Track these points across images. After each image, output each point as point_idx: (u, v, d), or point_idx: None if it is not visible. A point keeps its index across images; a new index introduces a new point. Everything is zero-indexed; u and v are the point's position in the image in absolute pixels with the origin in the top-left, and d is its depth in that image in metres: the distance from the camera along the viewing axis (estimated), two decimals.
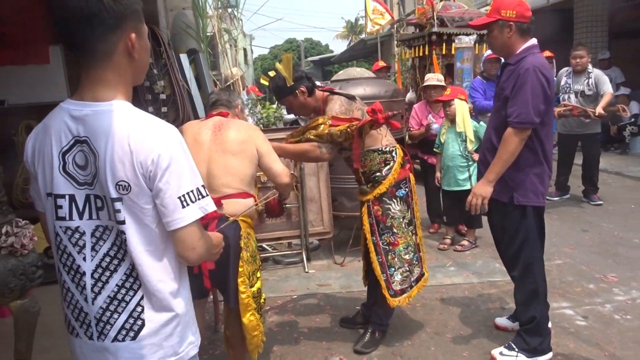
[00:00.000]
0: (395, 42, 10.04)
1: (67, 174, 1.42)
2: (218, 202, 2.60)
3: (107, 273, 1.44)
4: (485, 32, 3.20)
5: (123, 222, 1.40)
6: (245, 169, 2.69)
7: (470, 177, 5.02)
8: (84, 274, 1.45)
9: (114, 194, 1.38)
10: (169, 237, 1.46)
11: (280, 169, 2.78)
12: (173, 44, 5.40)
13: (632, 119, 9.36)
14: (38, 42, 4.52)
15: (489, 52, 6.35)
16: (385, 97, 5.09)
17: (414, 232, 3.31)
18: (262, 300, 2.82)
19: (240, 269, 2.62)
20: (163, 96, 4.96)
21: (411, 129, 5.78)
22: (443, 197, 5.42)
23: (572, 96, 6.36)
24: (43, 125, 1.47)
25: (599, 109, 5.88)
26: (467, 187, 5.03)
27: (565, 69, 6.60)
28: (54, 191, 1.44)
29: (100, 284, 1.44)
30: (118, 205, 1.38)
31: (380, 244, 3.24)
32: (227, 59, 6.93)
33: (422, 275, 3.39)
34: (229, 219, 2.55)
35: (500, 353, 3.15)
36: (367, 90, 5.05)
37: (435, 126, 5.42)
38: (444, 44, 7.65)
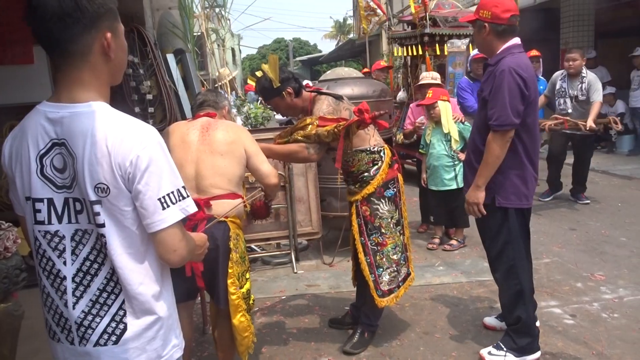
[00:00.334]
0: (387, 39, 9.99)
1: (45, 177, 1.40)
2: (207, 203, 2.59)
3: (88, 277, 1.42)
4: None
5: (103, 225, 1.37)
6: (233, 169, 2.68)
7: (456, 176, 5.04)
8: (64, 278, 1.42)
9: (93, 196, 1.35)
10: (150, 240, 1.43)
11: (269, 170, 2.78)
12: (160, 44, 5.35)
13: (619, 117, 9.42)
14: (22, 42, 4.47)
15: (475, 51, 6.35)
16: (373, 97, 5.09)
17: (401, 232, 3.31)
18: (251, 302, 2.83)
19: (229, 270, 2.62)
20: (150, 96, 4.92)
21: (405, 128, 5.79)
22: (430, 197, 5.43)
23: (568, 101, 6.20)
24: (20, 128, 1.44)
25: (590, 122, 5.74)
26: (454, 186, 5.05)
27: (560, 72, 6.43)
28: (32, 195, 1.42)
29: (82, 288, 1.42)
30: (97, 208, 1.36)
31: (369, 244, 3.23)
32: (215, 59, 6.89)
33: (408, 275, 3.39)
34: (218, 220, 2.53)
35: (489, 353, 3.16)
36: (354, 90, 5.05)
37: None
38: (437, 45, 7.61)
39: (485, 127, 2.96)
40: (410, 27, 8.39)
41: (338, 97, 3.22)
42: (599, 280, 4.27)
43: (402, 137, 6.19)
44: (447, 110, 4.95)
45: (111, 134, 1.34)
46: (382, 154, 3.24)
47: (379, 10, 9.48)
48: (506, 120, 2.83)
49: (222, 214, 2.59)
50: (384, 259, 3.24)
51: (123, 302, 1.43)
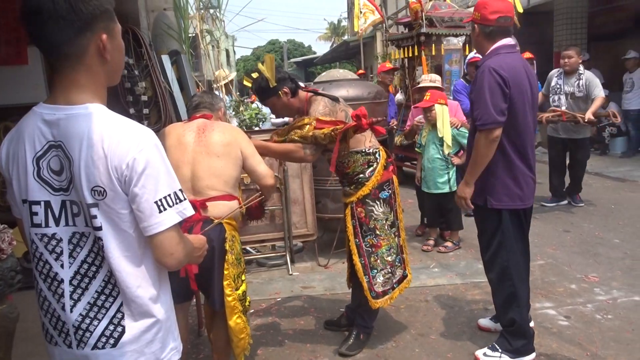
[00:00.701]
0: (383, 41, 10.01)
1: (42, 179, 1.39)
2: (203, 204, 2.59)
3: (86, 280, 1.41)
4: None
5: (100, 228, 1.37)
6: (229, 170, 2.69)
7: (449, 180, 5.06)
8: (61, 281, 1.41)
9: (89, 199, 1.35)
10: (147, 242, 1.43)
11: (265, 171, 2.79)
12: (154, 45, 5.34)
13: (609, 121, 9.45)
14: (16, 43, 4.45)
15: (471, 54, 6.37)
16: (368, 99, 5.09)
17: (396, 234, 3.31)
18: (247, 303, 2.83)
19: (225, 272, 2.62)
20: (145, 98, 4.91)
21: (404, 129, 5.81)
22: (424, 199, 5.44)
23: (562, 97, 6.18)
24: (16, 129, 1.43)
25: (589, 115, 5.72)
26: (446, 190, 5.06)
27: (556, 69, 6.44)
28: (28, 198, 1.41)
29: (79, 291, 1.41)
30: (94, 211, 1.36)
31: (363, 245, 3.24)
32: (210, 60, 6.88)
33: (404, 276, 3.40)
34: (213, 222, 2.53)
35: (484, 354, 3.17)
36: (350, 91, 5.05)
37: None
38: (433, 45, 7.62)
39: (474, 128, 3.00)
40: (407, 29, 8.41)
41: (334, 99, 3.22)
42: (593, 282, 4.29)
43: (401, 138, 6.20)
44: (443, 114, 4.96)
45: (107, 137, 1.33)
46: (377, 155, 3.24)
47: (376, 12, 9.47)
48: (489, 119, 2.86)
49: (217, 216, 2.59)
50: (378, 261, 3.24)
51: (121, 304, 1.42)
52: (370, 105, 4.92)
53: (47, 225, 1.41)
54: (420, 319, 3.81)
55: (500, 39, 2.99)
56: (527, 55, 7.29)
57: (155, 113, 5.02)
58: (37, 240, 1.43)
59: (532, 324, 3.32)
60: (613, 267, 4.59)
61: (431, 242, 5.34)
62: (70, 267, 1.41)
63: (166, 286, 1.56)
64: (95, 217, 1.36)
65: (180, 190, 1.43)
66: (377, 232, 3.22)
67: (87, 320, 1.41)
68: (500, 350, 3.12)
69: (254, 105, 7.81)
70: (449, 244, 5.27)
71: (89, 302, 1.41)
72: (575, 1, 11.14)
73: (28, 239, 1.46)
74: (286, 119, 6.85)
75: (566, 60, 6.18)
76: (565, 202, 6.75)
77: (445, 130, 4.94)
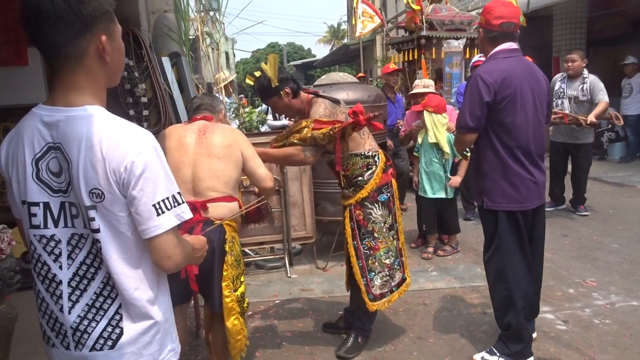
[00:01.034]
0: (383, 45, 10.05)
1: (41, 181, 1.39)
2: (204, 205, 2.60)
3: (85, 281, 1.41)
4: (474, 36, 3.33)
5: (98, 230, 1.37)
6: (230, 172, 2.69)
7: (445, 185, 5.06)
8: (60, 282, 1.41)
9: (87, 201, 1.35)
10: (145, 245, 1.42)
11: (265, 173, 2.80)
12: (155, 47, 5.34)
13: (609, 125, 9.47)
14: (16, 44, 4.45)
15: (476, 57, 6.37)
16: (367, 102, 5.09)
17: (395, 237, 3.31)
18: (245, 305, 2.83)
19: (224, 273, 2.62)
20: (144, 99, 4.91)
21: (400, 134, 5.81)
22: (421, 205, 5.42)
23: (566, 101, 6.11)
24: (16, 131, 1.43)
25: (592, 117, 5.66)
26: (442, 195, 5.06)
27: (560, 74, 6.38)
28: (27, 199, 1.41)
29: (78, 292, 1.41)
30: (92, 213, 1.35)
31: (361, 248, 3.24)
32: (210, 62, 6.88)
33: (403, 280, 3.40)
34: (214, 223, 2.54)
35: (482, 358, 3.17)
36: (349, 94, 5.05)
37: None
38: (434, 48, 7.63)
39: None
40: (407, 32, 8.42)
41: (335, 101, 3.23)
42: (591, 287, 4.29)
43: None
44: (432, 120, 4.96)
45: (106, 139, 1.33)
46: (376, 158, 3.25)
47: (376, 18, 9.49)
48: (461, 123, 3.01)
49: (218, 217, 2.60)
50: (376, 263, 3.25)
51: (120, 306, 1.42)
52: (370, 108, 4.92)
53: (45, 227, 1.41)
54: (418, 322, 3.81)
55: (501, 44, 3.01)
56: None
57: (155, 115, 5.01)
58: (36, 242, 1.42)
59: (534, 335, 3.30)
60: (611, 271, 4.60)
61: (430, 249, 5.28)
62: (68, 268, 1.41)
63: (165, 288, 1.56)
64: (93, 219, 1.36)
65: (179, 193, 1.43)
66: (375, 234, 3.23)
67: (85, 322, 1.41)
68: (498, 354, 3.12)
69: (247, 109, 7.80)
70: (447, 247, 5.28)
71: (87, 304, 1.41)
72: (575, 6, 11.16)
73: (27, 241, 1.46)
74: (284, 122, 6.87)
75: (569, 63, 6.13)
76: (564, 206, 6.73)
77: (438, 136, 4.95)
